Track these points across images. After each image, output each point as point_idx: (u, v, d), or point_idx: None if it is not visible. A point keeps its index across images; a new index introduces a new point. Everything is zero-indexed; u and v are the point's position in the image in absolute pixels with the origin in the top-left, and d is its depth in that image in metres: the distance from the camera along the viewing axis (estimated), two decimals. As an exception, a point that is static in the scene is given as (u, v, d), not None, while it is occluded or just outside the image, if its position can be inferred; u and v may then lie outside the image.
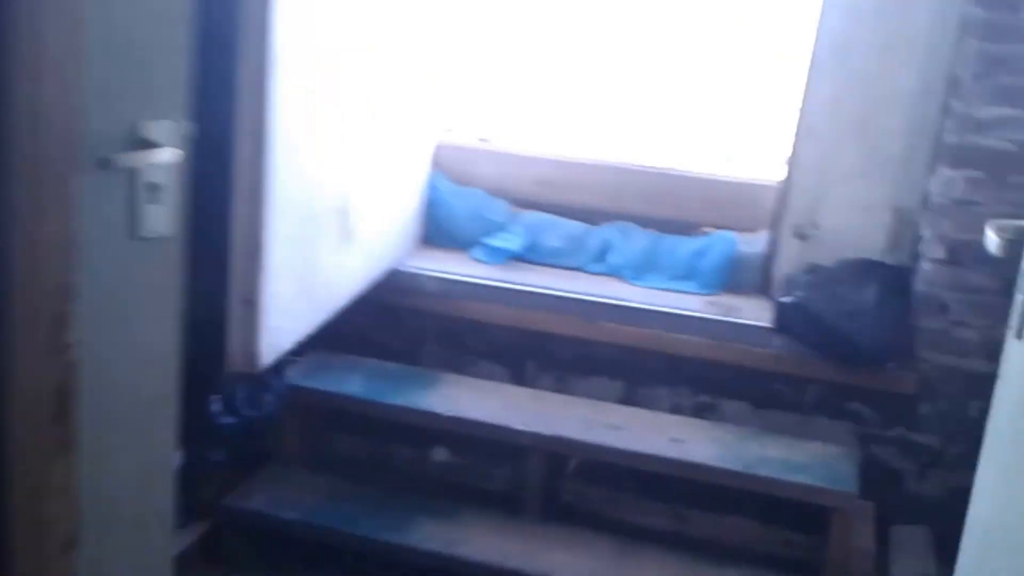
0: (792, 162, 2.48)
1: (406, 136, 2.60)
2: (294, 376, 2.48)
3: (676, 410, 2.48)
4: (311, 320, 2.24)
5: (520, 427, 2.30)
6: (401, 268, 2.70)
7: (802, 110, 2.44)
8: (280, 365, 2.25)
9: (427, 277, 2.68)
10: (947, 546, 2.17)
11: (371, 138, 2.36)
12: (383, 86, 2.36)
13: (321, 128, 2.10)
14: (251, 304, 1.96)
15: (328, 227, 2.23)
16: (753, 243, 2.61)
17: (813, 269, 2.41)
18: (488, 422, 2.33)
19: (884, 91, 2.34)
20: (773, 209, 2.55)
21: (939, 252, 2.19)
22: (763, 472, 2.10)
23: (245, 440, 2.32)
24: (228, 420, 2.21)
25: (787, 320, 2.29)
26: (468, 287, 2.65)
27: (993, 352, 2.18)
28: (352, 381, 2.54)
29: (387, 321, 2.70)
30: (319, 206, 2.16)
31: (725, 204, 2.70)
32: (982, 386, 2.19)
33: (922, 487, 2.29)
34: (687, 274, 2.64)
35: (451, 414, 2.36)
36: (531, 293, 2.59)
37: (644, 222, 2.76)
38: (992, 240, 1.17)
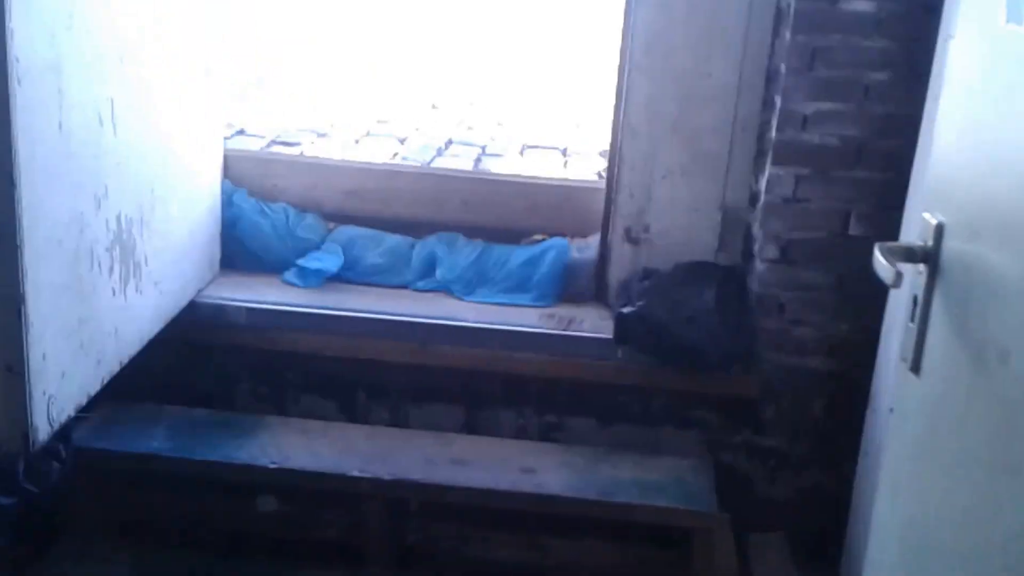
0: (617, 163, 2.39)
1: (189, 148, 2.29)
2: (83, 436, 2.15)
3: (521, 433, 2.35)
4: (97, 377, 1.93)
5: (356, 472, 2.09)
6: (202, 299, 2.41)
7: (621, 109, 2.35)
8: (65, 426, 1.93)
9: (234, 308, 2.40)
10: (802, 550, 2.18)
11: (148, 153, 2.05)
12: (156, 90, 2.06)
13: (81, 146, 1.78)
14: (15, 372, 1.64)
15: (105, 265, 1.91)
16: (586, 249, 2.51)
17: (648, 274, 2.33)
18: (319, 471, 2.10)
19: (702, 87, 2.30)
20: (603, 213, 2.46)
21: (772, 251, 2.17)
22: (620, 498, 2.01)
23: (31, 519, 2.01)
24: (5, 501, 1.90)
25: (628, 331, 2.20)
26: (282, 316, 2.40)
27: (832, 349, 2.20)
28: (154, 435, 2.23)
29: (192, 361, 2.40)
30: (91, 242, 1.85)
31: (554, 208, 2.59)
32: (823, 384, 2.22)
33: (772, 491, 2.28)
34: (520, 285, 2.51)
35: (275, 466, 2.12)
36: (354, 318, 2.38)
37: (470, 232, 2.61)
38: (883, 267, 1.08)
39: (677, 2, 2.25)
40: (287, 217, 2.64)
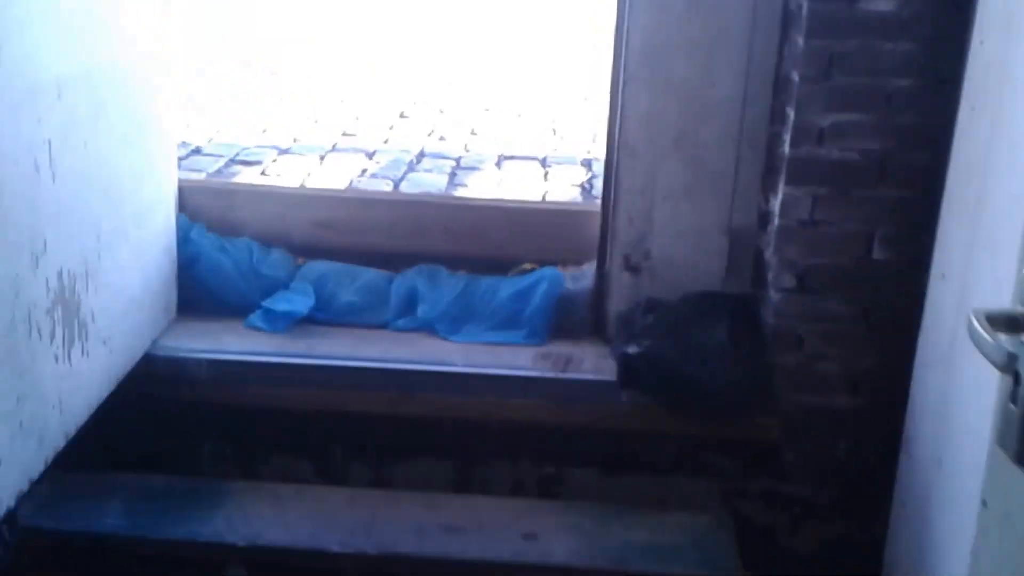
0: (613, 184, 2.21)
1: (139, 184, 2.09)
2: (30, 514, 1.93)
3: (519, 488, 2.17)
4: (39, 457, 1.72)
5: (337, 548, 1.90)
6: (157, 352, 2.20)
7: (616, 124, 2.18)
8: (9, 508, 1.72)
9: (193, 360, 2.20)
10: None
11: (92, 197, 1.85)
12: (101, 123, 1.85)
13: (14, 199, 1.58)
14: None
15: (46, 330, 1.70)
16: (581, 278, 2.34)
17: (652, 306, 2.16)
18: (295, 547, 1.90)
19: (704, 98, 2.13)
20: (599, 239, 2.28)
21: (788, 280, 2.00)
22: (635, 566, 1.84)
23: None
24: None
25: (633, 373, 2.03)
26: (246, 367, 2.19)
27: (857, 386, 2.04)
28: (108, 510, 2.02)
29: (148, 421, 2.19)
30: (28, 306, 1.64)
31: (544, 235, 2.41)
32: (849, 425, 2.06)
33: (796, 543, 2.11)
34: (510, 321, 2.32)
35: (245, 543, 1.92)
36: (327, 367, 2.18)
37: (453, 263, 2.42)
38: (987, 343, 0.90)
39: (675, 4, 2.08)
40: (251, 253, 2.43)
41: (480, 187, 3.75)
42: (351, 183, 3.77)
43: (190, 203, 2.44)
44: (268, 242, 2.45)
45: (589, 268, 2.34)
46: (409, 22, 8.02)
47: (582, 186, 3.75)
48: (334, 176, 3.86)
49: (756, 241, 2.15)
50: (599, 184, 3.70)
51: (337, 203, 2.48)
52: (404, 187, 3.73)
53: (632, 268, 2.23)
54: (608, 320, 2.26)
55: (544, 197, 3.63)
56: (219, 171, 3.90)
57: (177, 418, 2.22)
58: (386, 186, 3.73)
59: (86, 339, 1.87)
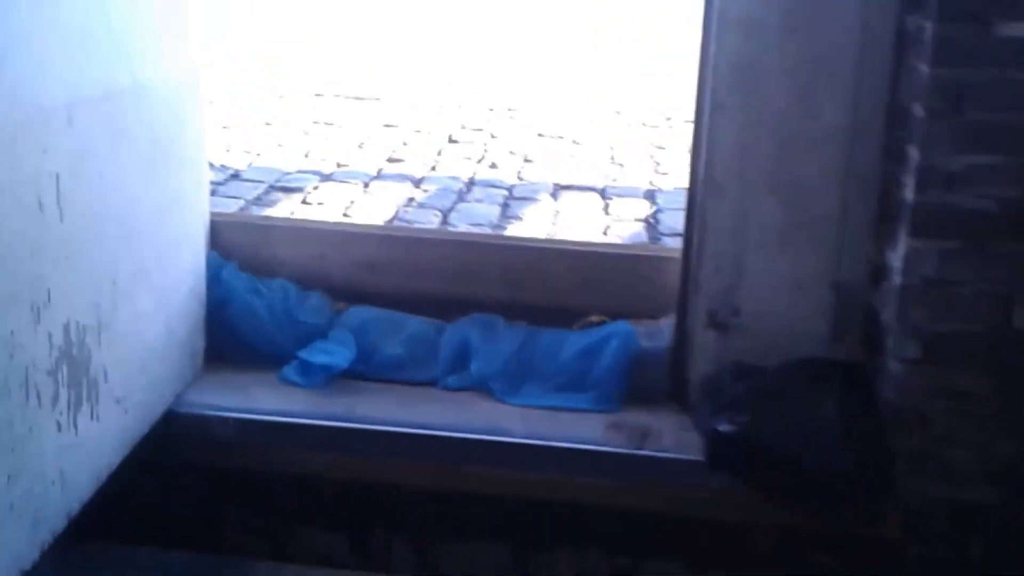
0: (697, 226, 1.96)
1: (164, 220, 1.88)
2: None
3: (585, 581, 1.90)
4: (34, 544, 1.51)
5: (375, 653, 1.64)
6: (180, 409, 1.99)
7: (701, 159, 1.93)
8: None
9: (220, 419, 1.98)
10: None
11: (107, 237, 1.64)
12: (119, 152, 1.64)
13: (14, 242, 1.37)
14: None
15: (47, 394, 1.49)
16: (657, 335, 2.08)
17: (743, 373, 1.90)
18: (327, 649, 1.66)
19: (804, 130, 1.88)
20: (679, 290, 2.02)
21: (913, 349, 1.73)
22: None
23: None
24: None
25: (725, 454, 1.76)
26: (279, 429, 1.97)
27: (992, 476, 1.76)
28: (117, 592, 1.79)
29: (167, 488, 1.98)
30: (26, 367, 1.43)
31: (616, 283, 2.17)
32: (982, 521, 1.77)
33: (917, 660, 1.82)
34: (575, 382, 2.07)
35: (270, 641, 1.67)
36: (368, 432, 1.96)
37: (511, 312, 2.18)
38: None
39: (770, 24, 1.83)
40: (287, 296, 2.22)
41: (535, 220, 3.51)
42: (397, 213, 3.55)
43: (222, 239, 2.24)
44: (306, 283, 2.23)
45: (667, 323, 2.08)
46: (420, 31, 7.84)
47: (646, 221, 3.49)
48: (379, 205, 3.65)
49: (868, 299, 1.87)
50: (666, 219, 3.48)
51: (381, 242, 2.26)
52: (453, 218, 3.51)
53: (719, 325, 1.97)
54: (690, 385, 2.00)
55: (605, 232, 3.38)
56: (258, 198, 3.71)
57: (199, 485, 2.00)
58: (434, 217, 3.51)
59: (96, 400, 1.65)
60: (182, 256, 2.00)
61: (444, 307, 2.20)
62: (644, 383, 2.06)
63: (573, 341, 2.11)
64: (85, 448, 1.63)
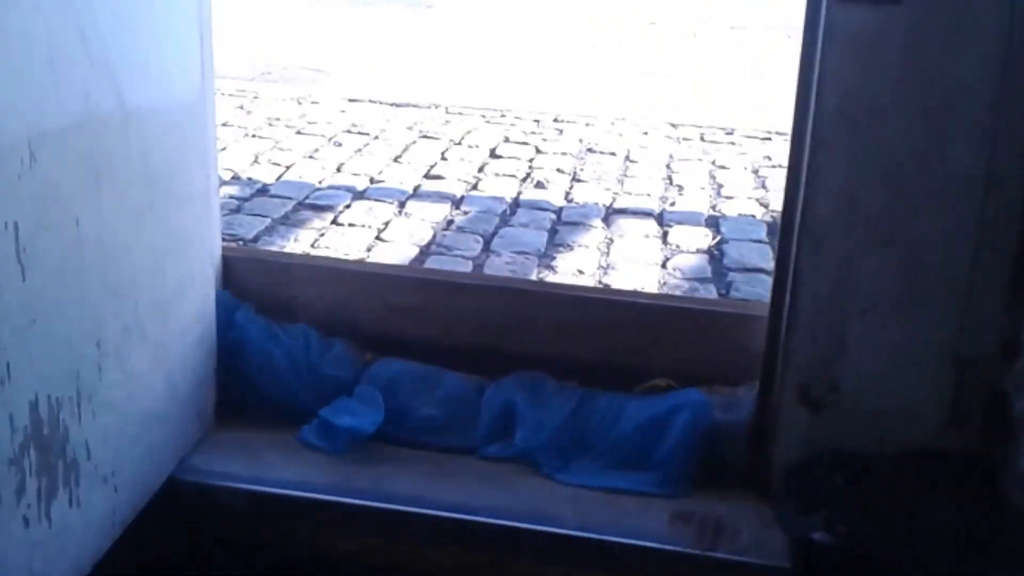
0: (790, 283, 1.69)
1: (164, 262, 1.65)
2: None
3: None
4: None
5: None
6: (184, 475, 1.76)
7: (798, 203, 1.65)
8: None
9: (228, 490, 1.75)
10: None
11: (87, 290, 1.41)
12: (102, 183, 1.42)
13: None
14: None
15: (6, 489, 1.27)
16: (735, 406, 1.81)
17: (840, 462, 1.63)
18: None
19: (927, 177, 1.61)
20: (764, 356, 1.75)
21: (1054, 446, 1.43)
22: None
23: None
24: None
25: (817, 564, 1.48)
26: (295, 505, 1.74)
27: None
28: None
29: (167, 569, 1.73)
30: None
31: (685, 343, 1.90)
32: None
33: None
34: (636, 459, 1.82)
35: None
36: (395, 513, 1.71)
37: (562, 370, 1.93)
38: None
39: (891, 45, 1.55)
40: (308, 344, 1.99)
41: (586, 251, 3.24)
42: (434, 237, 3.31)
43: (236, 277, 2.01)
44: (329, 329, 2.00)
45: (747, 394, 1.81)
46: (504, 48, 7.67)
47: (709, 252, 3.21)
48: (415, 228, 3.40)
49: (996, 379, 1.59)
50: (732, 251, 3.19)
51: (415, 286, 2.01)
52: (496, 244, 3.25)
53: (812, 403, 1.69)
54: (773, 471, 1.73)
55: (664, 264, 3.10)
56: (286, 216, 3.49)
57: (201, 565, 1.76)
58: (476, 243, 3.25)
59: (76, 483, 1.42)
60: (187, 302, 1.77)
61: (484, 361, 1.95)
62: (717, 463, 1.79)
63: (634, 410, 1.85)
64: (62, 540, 1.39)
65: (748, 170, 4.26)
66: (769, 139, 4.90)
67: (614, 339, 1.93)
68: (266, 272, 2.03)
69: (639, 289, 2.84)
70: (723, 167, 4.29)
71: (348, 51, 7.34)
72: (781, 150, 4.67)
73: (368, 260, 3.05)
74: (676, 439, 1.78)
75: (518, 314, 1.96)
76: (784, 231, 1.71)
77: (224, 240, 3.26)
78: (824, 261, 1.65)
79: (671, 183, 4.00)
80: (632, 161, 4.34)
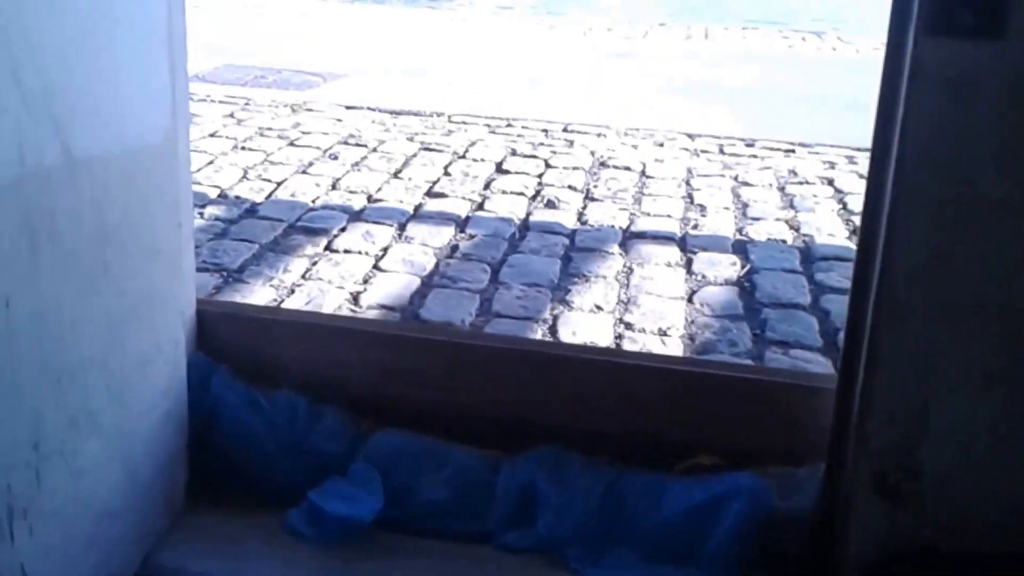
0: (864, 354, 1.45)
1: (121, 326, 1.42)
2: None
3: None
4: None
5: None
6: (149, 573, 1.52)
7: (876, 263, 1.42)
8: None
9: (199, 594, 1.50)
10: None
11: (22, 380, 1.17)
12: (39, 239, 1.18)
13: None
14: None
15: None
16: (795, 491, 1.57)
17: (923, 560, 1.41)
18: None
19: None
20: (832, 436, 1.51)
21: None
22: None
23: None
24: None
25: None
26: (279, 614, 1.48)
27: None
28: None
29: None
30: None
31: (735, 416, 1.64)
32: None
33: None
34: (680, 552, 1.58)
35: None
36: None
37: (590, 443, 1.70)
38: None
39: (989, 87, 1.31)
40: (294, 414, 1.75)
41: (603, 282, 2.99)
42: (437, 267, 3.07)
43: (213, 334, 1.78)
44: (320, 394, 1.76)
45: (809, 477, 1.57)
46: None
47: (739, 284, 2.96)
48: (416, 254, 3.16)
49: (1116, 474, 1.35)
50: (764, 283, 2.93)
51: (416, 346, 1.77)
52: (505, 274, 3.01)
53: (890, 492, 1.45)
54: (843, 570, 1.48)
55: (691, 299, 2.86)
56: (275, 241, 3.24)
57: None
58: (483, 273, 3.01)
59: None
60: (152, 375, 1.53)
61: (499, 432, 1.71)
62: (774, 559, 1.55)
63: (677, 493, 1.61)
64: None
65: (773, 187, 4.01)
66: (792, 151, 4.67)
67: (648, 409, 1.69)
68: (246, 330, 1.79)
69: (666, 329, 2.60)
70: (747, 183, 4.05)
71: (350, 53, 7.11)
72: (806, 164, 4.43)
73: (365, 300, 2.81)
74: (728, 532, 1.54)
75: (537, 379, 1.72)
76: (856, 291, 1.47)
77: (207, 270, 3.07)
78: (905, 329, 1.41)
79: (692, 202, 3.76)
80: (648, 177, 4.09)
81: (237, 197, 3.69)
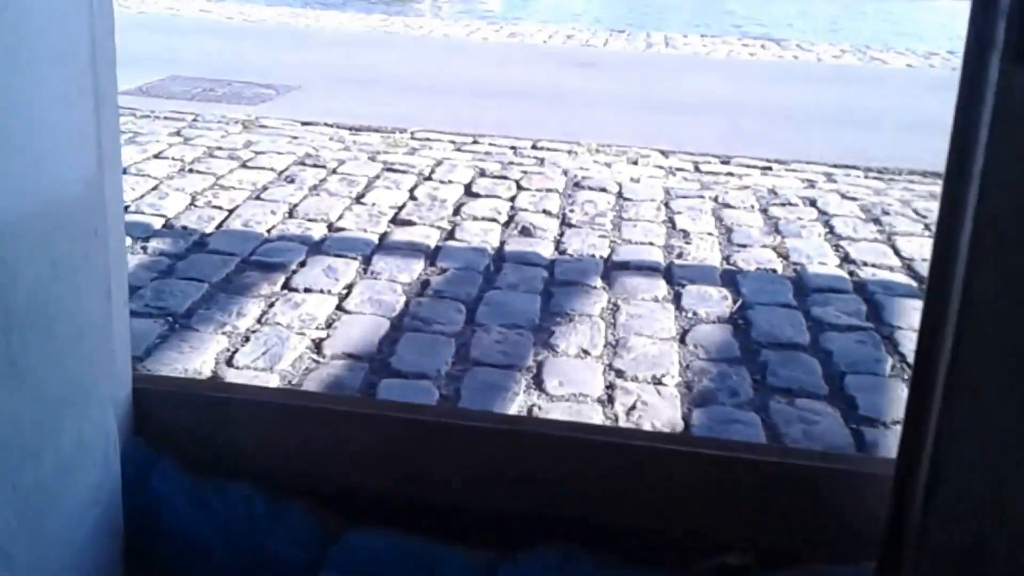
0: (931, 437, 1.24)
1: (31, 427, 1.16)
2: None
3: None
4: None
5: None
6: None
7: (947, 342, 1.22)
8: None
9: None
10: None
11: None
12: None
13: None
14: None
15: None
16: (842, 601, 1.33)
17: None
18: None
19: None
20: (887, 529, 1.30)
21: None
22: None
23: None
24: None
25: None
26: None
27: None
28: None
29: None
30: None
31: (770, 508, 1.42)
32: None
33: None
34: (712, 675, 1.32)
35: None
36: None
37: (598, 538, 1.46)
38: None
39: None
40: (251, 513, 1.49)
41: (589, 320, 2.76)
42: (408, 306, 2.81)
43: (155, 417, 1.51)
44: (282, 486, 1.50)
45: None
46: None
47: (732, 321, 2.75)
48: (383, 293, 2.90)
49: None
50: (759, 320, 2.71)
51: (393, 427, 1.52)
52: (482, 314, 2.77)
53: (959, 607, 1.23)
54: None
55: (683, 339, 2.64)
56: (227, 279, 2.96)
57: None
58: (457, 313, 2.77)
59: None
60: (76, 483, 1.26)
61: (495, 530, 1.47)
62: None
63: (703, 603, 1.37)
64: None
65: (756, 209, 3.82)
66: (769, 168, 4.48)
67: (664, 498, 1.46)
68: (193, 410, 1.53)
69: (660, 376, 2.38)
70: (728, 205, 3.85)
71: (303, 61, 6.82)
72: (784, 183, 4.25)
73: (328, 348, 2.55)
74: (766, 652, 1.32)
75: (535, 465, 1.49)
76: (919, 370, 1.25)
77: (150, 315, 2.75)
78: (976, 414, 1.20)
79: (674, 227, 3.55)
80: (626, 199, 3.88)
81: (184, 228, 3.40)
